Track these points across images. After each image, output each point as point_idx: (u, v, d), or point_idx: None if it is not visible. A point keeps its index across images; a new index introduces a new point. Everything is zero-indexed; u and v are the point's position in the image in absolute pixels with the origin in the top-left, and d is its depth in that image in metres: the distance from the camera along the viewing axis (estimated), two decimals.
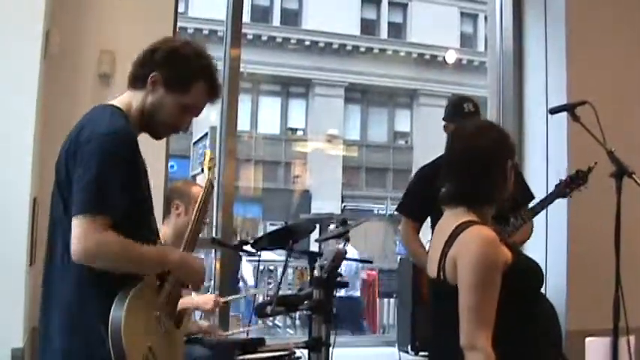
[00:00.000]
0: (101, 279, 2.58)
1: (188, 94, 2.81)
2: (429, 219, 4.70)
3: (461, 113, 4.69)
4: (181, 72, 2.79)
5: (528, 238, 4.62)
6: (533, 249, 4.91)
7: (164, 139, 4.51)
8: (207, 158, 3.37)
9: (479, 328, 2.65)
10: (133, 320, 2.55)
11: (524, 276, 2.80)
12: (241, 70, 5.65)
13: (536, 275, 2.90)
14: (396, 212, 5.09)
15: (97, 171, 2.55)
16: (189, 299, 4.63)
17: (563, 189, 4.51)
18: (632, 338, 3.70)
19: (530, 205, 4.61)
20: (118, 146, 2.61)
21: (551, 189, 4.61)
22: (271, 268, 11.33)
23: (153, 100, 2.79)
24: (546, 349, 2.79)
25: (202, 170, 3.40)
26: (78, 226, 2.51)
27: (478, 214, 2.85)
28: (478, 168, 2.86)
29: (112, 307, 2.54)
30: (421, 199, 4.81)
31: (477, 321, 2.66)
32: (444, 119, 4.83)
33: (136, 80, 2.82)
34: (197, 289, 2.71)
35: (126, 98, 2.83)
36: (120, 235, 2.53)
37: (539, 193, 4.79)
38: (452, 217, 2.89)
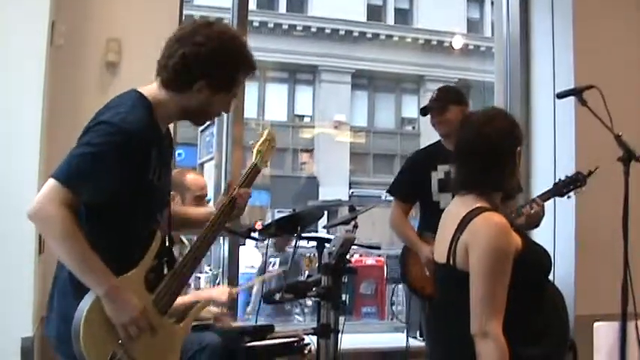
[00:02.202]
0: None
1: (234, 88, 2.85)
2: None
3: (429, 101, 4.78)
4: (226, 75, 2.80)
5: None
6: (541, 234, 4.90)
7: (171, 127, 4.54)
8: (260, 140, 3.25)
9: (491, 315, 2.65)
10: (95, 318, 2.55)
11: (535, 262, 2.81)
12: None
13: (546, 261, 2.91)
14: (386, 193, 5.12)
15: (91, 152, 2.56)
16: (204, 292, 4.66)
17: (561, 189, 4.52)
18: None
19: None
20: (115, 140, 2.57)
21: (558, 176, 4.62)
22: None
23: (199, 101, 2.79)
24: (553, 333, 2.79)
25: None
26: (46, 186, 2.53)
27: (488, 201, 2.86)
28: (488, 155, 2.87)
29: (80, 303, 2.56)
30: (412, 183, 4.85)
31: (489, 309, 2.67)
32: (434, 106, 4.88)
33: (173, 83, 2.76)
34: (123, 333, 2.59)
35: (158, 93, 2.79)
36: (75, 224, 2.51)
37: (546, 179, 4.78)
38: (462, 204, 2.90)
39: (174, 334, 2.85)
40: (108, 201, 2.62)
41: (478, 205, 2.83)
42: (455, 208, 2.94)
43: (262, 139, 3.25)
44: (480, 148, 2.89)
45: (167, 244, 2.91)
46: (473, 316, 2.69)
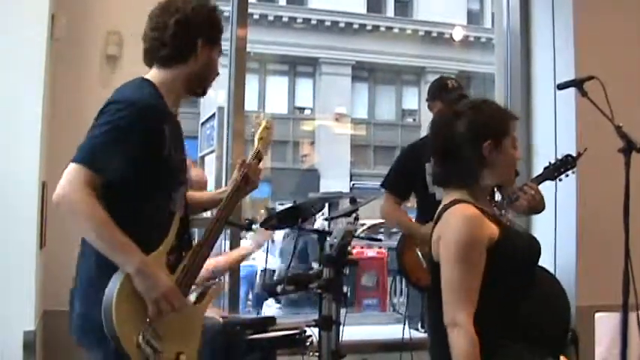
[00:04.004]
0: None
1: (220, 41, 2.99)
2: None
3: (445, 89, 4.69)
4: (216, 28, 2.96)
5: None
6: (542, 225, 4.91)
7: None
8: (261, 128, 3.36)
9: (460, 306, 2.67)
10: (125, 298, 2.57)
11: (512, 251, 2.79)
12: (248, 50, 5.62)
13: (527, 251, 2.89)
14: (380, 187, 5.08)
15: (106, 130, 2.62)
16: (238, 250, 4.76)
17: (552, 172, 4.48)
18: None
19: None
20: (132, 116, 2.65)
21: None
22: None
23: (201, 63, 2.90)
24: (537, 326, 2.78)
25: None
26: (67, 171, 2.57)
27: (470, 192, 2.88)
28: (447, 155, 2.90)
29: (108, 285, 2.57)
30: (405, 177, 4.82)
31: (457, 299, 2.69)
32: (428, 99, 4.84)
33: (177, 53, 2.87)
34: (155, 309, 2.59)
35: (159, 75, 2.88)
36: (99, 204, 2.54)
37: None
38: (446, 197, 2.94)
39: (195, 315, 2.89)
40: (129, 177, 2.65)
41: (456, 197, 2.87)
42: (442, 200, 2.96)
43: (262, 127, 3.34)
44: (444, 144, 2.93)
45: (185, 222, 2.93)
46: (444, 307, 2.73)
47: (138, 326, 2.60)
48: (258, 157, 3.27)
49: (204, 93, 3.03)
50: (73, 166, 2.57)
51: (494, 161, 2.89)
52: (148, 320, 2.62)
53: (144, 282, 2.59)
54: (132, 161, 2.63)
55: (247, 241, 5.04)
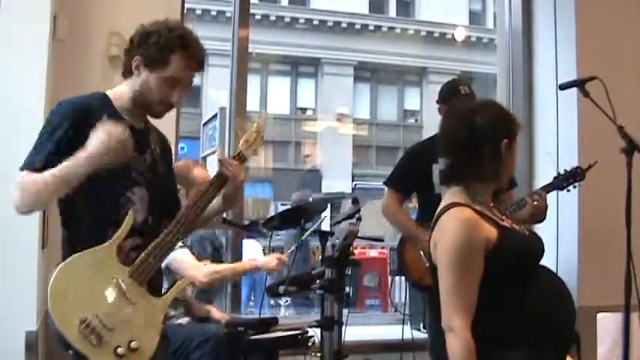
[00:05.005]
0: (71, 243, 2.82)
1: (168, 67, 2.93)
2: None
3: (457, 95, 4.68)
4: (156, 48, 2.92)
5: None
6: (544, 226, 4.90)
7: (174, 121, 4.54)
8: (252, 129, 3.34)
9: (455, 310, 2.66)
10: (62, 282, 2.65)
11: (511, 254, 2.76)
12: (250, 50, 5.64)
13: (527, 252, 2.85)
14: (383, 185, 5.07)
15: (40, 133, 2.83)
16: (250, 262, 4.74)
17: (561, 183, 4.52)
18: None
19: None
20: (60, 112, 2.85)
21: (560, 168, 4.61)
22: (281, 245, 11.41)
23: (140, 82, 2.95)
24: (541, 329, 2.75)
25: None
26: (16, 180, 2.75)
27: (470, 193, 2.86)
28: (464, 147, 2.86)
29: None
30: (411, 175, 4.82)
31: (453, 303, 2.67)
32: (438, 102, 4.83)
33: (125, 70, 3.00)
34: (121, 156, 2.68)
35: (119, 88, 3.03)
36: (30, 179, 2.69)
37: (549, 171, 4.78)
38: (446, 198, 2.91)
39: (154, 307, 2.85)
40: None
41: (455, 200, 2.84)
42: (441, 202, 2.95)
43: (251, 130, 3.32)
44: (457, 139, 2.90)
45: (149, 222, 2.97)
46: (442, 311, 2.71)
47: (78, 314, 2.63)
48: (240, 158, 3.23)
49: (154, 115, 3.07)
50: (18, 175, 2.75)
51: (506, 161, 2.88)
52: (94, 312, 2.65)
53: (91, 157, 2.66)
54: (58, 151, 2.73)
55: (258, 258, 5.05)
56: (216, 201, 3.17)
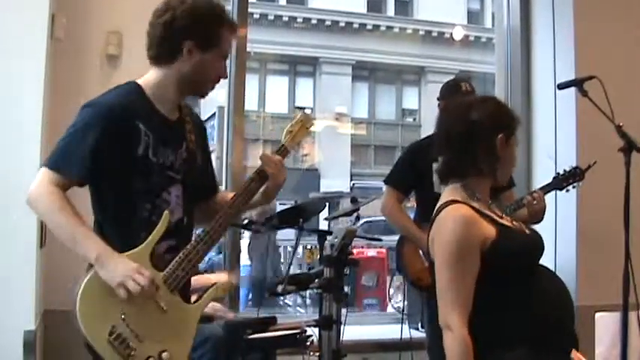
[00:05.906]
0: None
1: (221, 44, 2.90)
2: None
3: (458, 92, 4.68)
4: (209, 30, 2.87)
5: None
6: (542, 225, 4.90)
7: None
8: (295, 121, 3.25)
9: (452, 308, 2.65)
10: (91, 295, 2.59)
11: (509, 252, 2.74)
12: (248, 49, 5.63)
13: (525, 253, 2.83)
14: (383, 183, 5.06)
15: (69, 132, 2.73)
16: (203, 277, 4.69)
17: (560, 183, 4.53)
18: None
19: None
20: (92, 116, 2.73)
21: (559, 167, 4.62)
22: (278, 244, 11.42)
23: (193, 65, 2.85)
24: (542, 328, 2.74)
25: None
26: (38, 174, 2.70)
27: (468, 190, 2.85)
28: (458, 142, 2.86)
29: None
30: (411, 174, 4.81)
31: (449, 301, 2.66)
32: (439, 99, 4.83)
33: (162, 56, 2.87)
34: (122, 292, 2.57)
35: (150, 76, 2.91)
36: (62, 199, 2.63)
37: (547, 170, 4.78)
38: (444, 195, 2.91)
39: (187, 314, 2.81)
40: (101, 176, 2.72)
41: (453, 197, 2.83)
42: (439, 200, 2.94)
43: (295, 121, 3.24)
44: (451, 135, 2.90)
45: (184, 222, 2.93)
46: (438, 307, 2.71)
47: (108, 322, 2.59)
48: (282, 152, 3.14)
49: (202, 95, 3.02)
50: (40, 170, 2.70)
51: (502, 156, 2.87)
52: (122, 317, 2.60)
53: (104, 269, 2.59)
54: (95, 159, 2.68)
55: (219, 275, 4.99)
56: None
